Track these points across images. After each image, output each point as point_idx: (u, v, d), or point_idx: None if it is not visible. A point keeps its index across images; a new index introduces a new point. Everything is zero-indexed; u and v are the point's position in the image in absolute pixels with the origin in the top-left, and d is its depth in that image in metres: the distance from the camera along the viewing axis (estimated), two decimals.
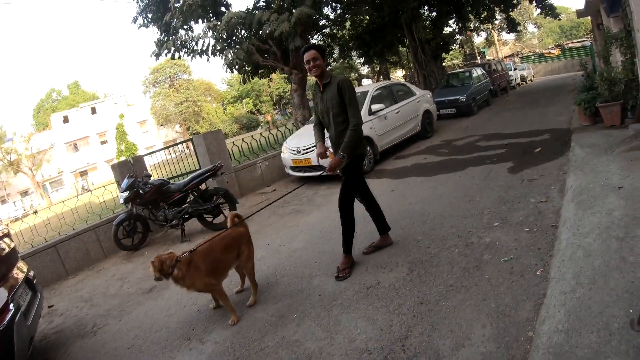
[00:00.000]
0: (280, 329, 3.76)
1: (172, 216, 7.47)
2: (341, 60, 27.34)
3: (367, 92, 10.77)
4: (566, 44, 45.80)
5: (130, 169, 8.50)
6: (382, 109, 10.27)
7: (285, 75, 17.65)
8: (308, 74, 17.25)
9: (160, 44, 16.09)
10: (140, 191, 7.42)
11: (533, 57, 43.67)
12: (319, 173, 9.09)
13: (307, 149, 9.36)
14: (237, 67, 16.24)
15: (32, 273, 4.88)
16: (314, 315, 3.85)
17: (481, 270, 3.94)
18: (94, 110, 56.38)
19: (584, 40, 40.56)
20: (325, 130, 4.85)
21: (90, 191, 9.70)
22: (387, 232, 5.01)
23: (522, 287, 3.49)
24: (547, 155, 7.43)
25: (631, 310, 2.73)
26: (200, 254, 4.12)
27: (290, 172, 9.99)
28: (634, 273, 3.11)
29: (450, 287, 3.77)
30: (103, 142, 55.88)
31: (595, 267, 3.32)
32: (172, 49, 15.60)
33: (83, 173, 53.25)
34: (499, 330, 3.01)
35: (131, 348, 4.18)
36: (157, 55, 16.13)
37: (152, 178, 8.16)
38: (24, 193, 47.64)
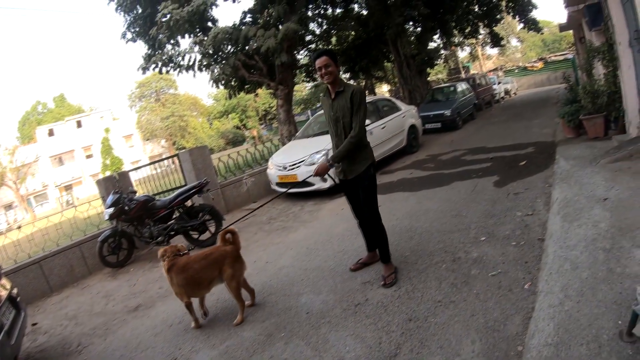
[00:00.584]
0: (268, 348, 3.70)
1: (157, 233, 7.39)
2: None
3: None
4: (549, 57, 46.42)
5: (115, 185, 8.40)
6: (368, 125, 10.28)
7: (272, 90, 17.67)
8: (294, 89, 17.50)
9: (147, 58, 16.08)
10: (126, 207, 7.33)
11: (516, 71, 44.22)
12: (305, 189, 9.06)
13: (293, 165, 9.33)
14: (223, 82, 16.26)
15: (15, 290, 4.78)
16: (302, 334, 3.80)
17: (469, 285, 3.92)
18: (79, 124, 55.98)
19: (567, 54, 41.13)
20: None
21: (75, 207, 9.55)
22: (375, 249, 4.90)
23: (511, 302, 3.48)
24: (532, 168, 7.49)
25: (620, 322, 2.73)
26: (179, 266, 4.27)
27: (277, 188, 9.93)
28: (621, 284, 3.11)
29: (439, 303, 3.74)
30: (88, 156, 55.41)
31: (583, 280, 3.32)
32: (159, 63, 15.57)
33: (68, 187, 52.63)
34: (488, 345, 2.99)
35: None
36: (144, 69, 16.11)
37: (137, 194, 8.08)
38: (8, 207, 46.94)
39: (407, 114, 12.48)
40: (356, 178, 4.40)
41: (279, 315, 4.26)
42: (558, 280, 3.43)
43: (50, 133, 54.13)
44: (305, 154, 9.33)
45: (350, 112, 4.22)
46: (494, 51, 58.26)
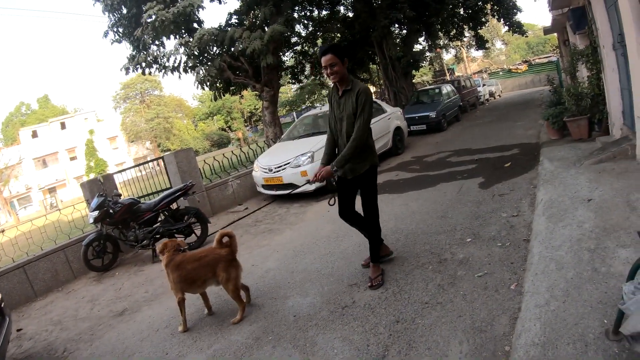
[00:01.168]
0: (256, 352, 3.67)
1: (142, 236, 7.32)
2: (312, 77, 27.43)
3: None
4: (533, 60, 46.92)
5: (99, 188, 8.30)
6: None
7: (257, 92, 17.62)
8: (279, 91, 17.46)
9: (131, 59, 15.93)
10: (110, 210, 7.25)
11: (501, 73, 44.63)
12: (290, 191, 9.06)
13: (278, 167, 9.31)
14: (208, 83, 16.20)
15: None
16: (289, 337, 3.77)
17: (456, 286, 3.93)
18: (63, 126, 55.26)
19: (551, 56, 41.58)
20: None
21: (59, 210, 9.41)
22: (381, 242, 4.82)
23: (497, 302, 3.49)
24: (517, 169, 7.54)
25: (605, 321, 2.75)
26: (175, 263, 4.29)
27: (262, 190, 9.90)
28: (606, 284, 3.13)
29: (426, 305, 3.74)
30: (72, 158, 54.67)
31: (569, 280, 3.34)
32: (143, 64, 15.45)
33: (52, 190, 51.92)
34: (476, 346, 2.99)
35: None
36: (127, 70, 15.94)
37: (122, 197, 8.00)
38: None
39: (393, 116, 12.51)
40: (356, 178, 4.36)
41: (266, 318, 4.23)
42: (544, 281, 3.45)
43: (34, 135, 53.39)
44: (291, 156, 9.31)
45: (354, 112, 4.13)
46: (479, 54, 58.85)
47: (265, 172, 9.59)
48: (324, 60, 4.08)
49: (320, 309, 4.15)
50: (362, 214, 4.59)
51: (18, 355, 4.99)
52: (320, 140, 9.49)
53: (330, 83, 4.42)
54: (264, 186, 9.74)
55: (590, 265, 3.46)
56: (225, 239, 4.45)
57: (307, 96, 43.31)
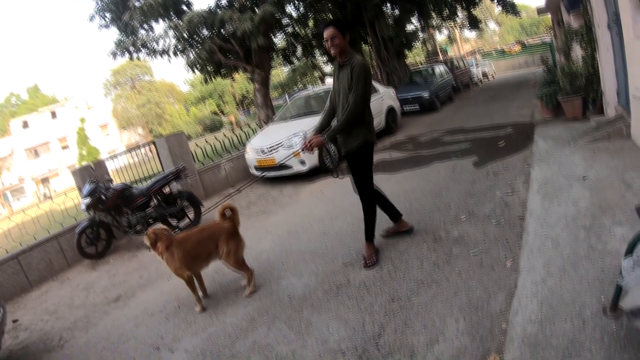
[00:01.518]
0: (251, 333, 3.64)
1: (136, 221, 7.23)
2: (304, 59, 27.21)
3: (330, 89, 10.67)
4: (526, 41, 46.75)
5: (91, 174, 8.18)
6: None
7: (248, 74, 17.43)
8: (270, 73, 17.28)
9: (118, 44, 15.69)
10: (102, 197, 7.13)
11: (494, 54, 44.42)
12: (283, 173, 8.99)
13: (271, 148, 9.24)
14: (199, 67, 16.03)
15: None
16: (284, 318, 3.75)
17: (451, 264, 3.91)
18: (54, 115, 54.40)
19: (544, 37, 41.41)
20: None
21: (51, 198, 9.27)
22: (400, 217, 4.83)
23: (493, 280, 3.46)
24: (511, 148, 7.50)
25: (603, 298, 2.73)
26: (178, 240, 4.25)
27: (255, 172, 9.83)
28: (603, 261, 3.12)
29: (421, 283, 3.72)
30: (64, 147, 53.85)
31: (565, 257, 3.33)
32: (131, 48, 15.21)
33: (44, 180, 51.24)
34: (472, 323, 2.97)
35: None
36: (114, 55, 15.68)
37: (114, 183, 7.90)
38: None
39: (385, 96, 12.44)
40: (349, 154, 4.33)
41: (260, 299, 4.20)
42: (540, 258, 3.43)
43: (25, 125, 52.50)
44: (283, 137, 9.25)
45: (349, 86, 4.09)
46: (472, 34, 58.48)
47: (257, 154, 9.52)
48: (326, 33, 4.05)
49: (314, 289, 4.13)
50: (379, 189, 4.66)
51: (14, 346, 4.92)
52: (313, 121, 9.42)
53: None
54: (256, 168, 9.67)
55: (586, 243, 3.44)
56: (228, 212, 4.42)
57: (299, 78, 43.03)
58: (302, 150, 4.33)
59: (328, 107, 4.58)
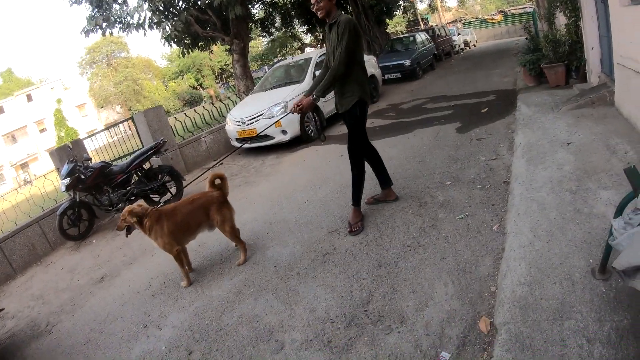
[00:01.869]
0: (238, 305, 3.59)
1: (117, 199, 7.03)
2: (283, 29, 26.75)
3: (311, 58, 10.64)
4: (508, 10, 46.60)
5: (69, 154, 7.87)
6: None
7: (227, 46, 17.05)
8: (249, 43, 16.91)
9: (90, 20, 15.08)
10: (82, 176, 6.91)
11: (476, 23, 44.29)
12: (265, 143, 8.87)
13: (251, 119, 9.10)
14: (175, 39, 15.57)
15: None
16: (271, 288, 3.71)
17: (437, 229, 3.89)
18: (29, 98, 52.40)
19: (526, 7, 41.31)
20: None
21: (30, 182, 8.96)
22: (389, 186, 4.78)
23: (480, 243, 3.46)
24: (494, 115, 7.48)
25: (591, 260, 2.72)
26: (167, 212, 4.13)
27: (236, 143, 9.68)
28: (589, 224, 3.11)
29: (408, 248, 3.69)
30: (42, 130, 51.98)
31: (552, 220, 3.31)
32: (104, 24, 14.66)
33: (24, 165, 49.80)
34: (461, 287, 2.96)
35: (88, 343, 3.87)
36: (87, 32, 15.06)
37: (92, 161, 7.68)
38: None
39: (367, 64, 12.26)
40: (344, 113, 4.29)
41: (246, 271, 4.15)
42: (526, 221, 3.42)
43: (0, 110, 51.21)
44: (263, 107, 9.12)
45: (337, 44, 4.01)
46: (454, 3, 58.14)
47: (238, 125, 9.37)
48: None
49: (300, 257, 4.09)
50: (376, 151, 4.67)
51: (2, 335, 4.77)
52: (293, 90, 9.32)
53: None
54: (237, 139, 9.52)
55: (573, 206, 3.43)
56: (217, 181, 4.36)
57: (278, 49, 42.38)
58: (292, 112, 4.27)
59: (322, 70, 4.50)
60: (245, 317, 3.40)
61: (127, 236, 4.32)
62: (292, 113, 4.31)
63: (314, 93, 4.13)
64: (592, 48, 6.72)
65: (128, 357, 3.40)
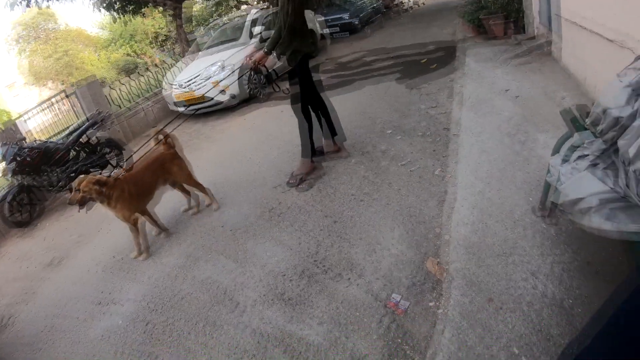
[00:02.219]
0: (191, 270, 3.50)
1: (57, 178, 6.62)
2: None
3: (247, 16, 10.43)
4: None
5: (2, 137, 7.36)
6: (260, 32, 9.73)
7: (159, 9, 16.25)
8: (182, 4, 16.18)
9: None
10: (28, 159, 6.45)
11: None
12: (209, 105, 8.58)
13: (189, 81, 8.75)
14: (105, 4, 14.68)
15: None
16: (221, 249, 3.63)
17: (380, 176, 3.90)
18: None
19: None
20: None
21: None
22: (341, 140, 4.74)
23: (424, 188, 3.49)
24: (434, 65, 7.48)
25: (531, 199, 2.80)
26: (127, 178, 3.94)
27: (177, 108, 9.26)
28: (529, 165, 3.20)
29: (353, 197, 3.69)
30: None
31: (492, 162, 3.38)
32: None
33: None
34: (407, 230, 2.98)
35: (49, 330, 3.64)
36: (12, 5, 13.91)
37: (27, 142, 7.16)
38: None
39: (306, 18, 12.02)
40: (292, 70, 4.31)
41: (195, 234, 4.04)
42: (468, 165, 3.47)
43: None
44: (200, 68, 8.80)
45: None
46: None
47: (176, 89, 8.97)
48: None
49: (248, 216, 4.02)
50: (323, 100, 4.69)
51: None
52: (231, 50, 9.06)
53: None
54: (176, 103, 9.15)
55: (512, 149, 3.51)
56: (169, 140, 4.27)
57: (214, 9, 40.98)
58: (246, 64, 4.27)
59: (276, 28, 4.36)
60: (199, 280, 3.33)
61: (79, 211, 4.00)
62: (249, 68, 4.34)
63: (265, 47, 4.09)
64: None
65: (88, 338, 3.23)
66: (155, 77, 11.30)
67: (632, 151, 1.72)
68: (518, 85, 4.95)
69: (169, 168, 4.15)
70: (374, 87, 6.95)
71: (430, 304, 2.38)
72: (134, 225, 3.99)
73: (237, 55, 8.62)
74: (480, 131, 4.03)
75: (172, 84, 9.11)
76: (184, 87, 8.74)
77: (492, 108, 4.49)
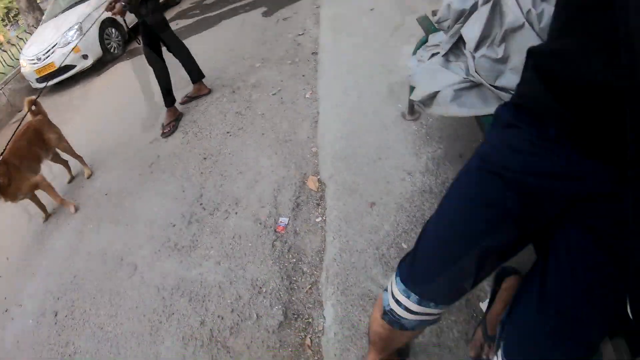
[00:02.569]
0: (84, 245, 3.27)
1: None
2: None
3: None
4: None
5: None
6: None
7: None
8: None
9: None
10: None
11: None
12: (68, 74, 7.85)
13: (47, 52, 7.93)
14: None
15: None
16: (108, 216, 3.44)
17: (253, 109, 3.83)
18: None
19: None
20: None
21: None
22: (201, 79, 4.56)
23: (296, 112, 3.48)
24: None
25: (400, 105, 2.87)
26: (12, 154, 3.54)
27: (38, 85, 8.40)
28: (395, 74, 3.27)
29: (228, 134, 3.61)
30: None
31: (359, 78, 3.43)
32: None
33: None
34: (284, 155, 2.97)
35: None
36: None
37: None
38: None
39: None
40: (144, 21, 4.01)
41: (80, 209, 3.76)
42: (336, 84, 3.50)
43: None
44: (57, 36, 7.99)
45: None
46: None
47: (34, 63, 8.08)
48: None
49: (128, 177, 3.82)
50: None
51: None
52: (84, 9, 8.30)
53: None
54: (38, 80, 8.28)
55: (377, 62, 3.57)
56: (34, 108, 3.97)
57: None
58: (113, 14, 3.90)
59: None
60: (94, 254, 3.13)
61: None
62: (114, 15, 3.96)
63: (122, 1, 3.78)
64: None
65: (4, 350, 2.93)
66: (12, 56, 10.25)
67: (471, 36, 1.78)
68: (382, 4, 4.98)
69: (46, 135, 3.91)
70: (240, 24, 6.72)
71: (317, 219, 2.41)
72: (32, 192, 3.72)
73: (93, 13, 7.98)
74: (347, 50, 4.04)
75: (29, 59, 8.18)
76: (43, 60, 7.92)
77: (359, 27, 4.50)
